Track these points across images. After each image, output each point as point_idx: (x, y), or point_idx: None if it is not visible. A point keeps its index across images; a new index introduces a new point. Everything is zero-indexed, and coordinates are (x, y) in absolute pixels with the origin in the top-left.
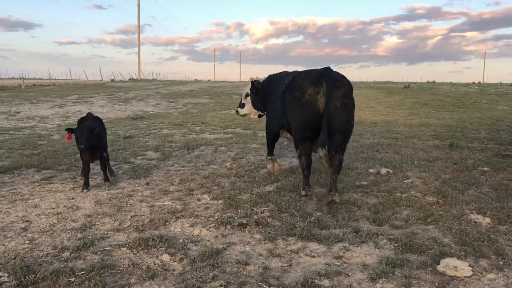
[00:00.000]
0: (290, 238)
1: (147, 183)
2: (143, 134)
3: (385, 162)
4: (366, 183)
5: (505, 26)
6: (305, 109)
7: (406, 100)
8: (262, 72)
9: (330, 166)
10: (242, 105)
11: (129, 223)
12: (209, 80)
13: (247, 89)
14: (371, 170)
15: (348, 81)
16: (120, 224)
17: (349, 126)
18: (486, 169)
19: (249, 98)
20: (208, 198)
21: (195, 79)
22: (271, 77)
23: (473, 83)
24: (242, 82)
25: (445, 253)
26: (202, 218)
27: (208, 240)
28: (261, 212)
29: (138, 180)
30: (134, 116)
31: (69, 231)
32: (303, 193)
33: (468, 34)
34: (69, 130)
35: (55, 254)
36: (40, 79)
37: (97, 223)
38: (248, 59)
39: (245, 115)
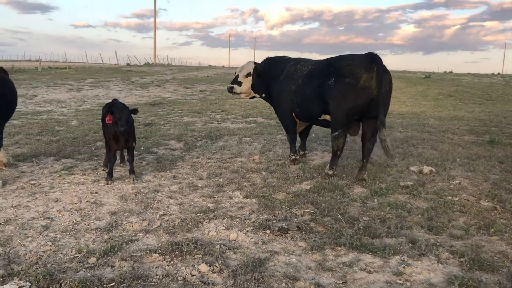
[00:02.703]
0: (339, 248)
1: (174, 177)
2: (163, 121)
3: (424, 159)
4: (411, 183)
5: None
6: (360, 95)
7: (429, 91)
8: None
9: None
10: (239, 83)
11: (158, 224)
12: (223, 66)
13: (250, 69)
14: (412, 168)
15: None
16: (149, 224)
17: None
18: None
19: (250, 78)
20: (241, 196)
21: (209, 65)
22: (273, 61)
23: (493, 74)
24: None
25: None
26: (237, 220)
27: (247, 247)
28: (301, 215)
29: (163, 173)
30: (152, 102)
31: (93, 231)
32: (330, 172)
33: (488, 23)
34: (109, 111)
35: (80, 259)
36: (56, 61)
37: (124, 222)
38: (262, 45)
39: (239, 93)
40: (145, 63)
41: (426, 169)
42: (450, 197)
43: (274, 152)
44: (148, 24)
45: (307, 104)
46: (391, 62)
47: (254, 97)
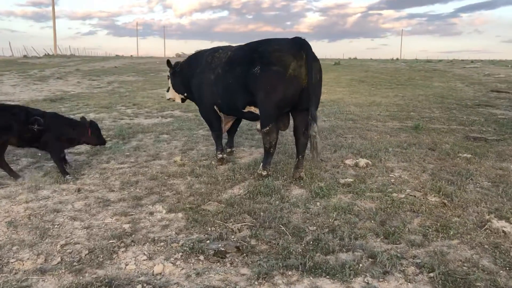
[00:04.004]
0: (290, 273)
1: (78, 190)
2: None
3: (357, 150)
4: (351, 180)
5: (418, 5)
6: (289, 85)
7: (341, 77)
8: (187, 47)
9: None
10: (168, 89)
11: (59, 259)
12: (131, 56)
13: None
14: (347, 162)
15: None
16: (46, 260)
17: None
18: (468, 155)
19: (170, 80)
20: (164, 211)
21: (116, 55)
22: (192, 57)
23: (392, 59)
24: (168, 58)
25: (498, 286)
26: (162, 244)
27: (177, 283)
28: (239, 230)
29: (65, 185)
30: (53, 97)
31: None
32: (264, 173)
33: (385, 12)
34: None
35: None
36: None
37: (11, 260)
38: (172, 34)
39: (170, 99)
40: (45, 54)
41: (362, 161)
42: (396, 194)
43: (197, 150)
44: (47, 13)
45: (229, 95)
46: None
47: (184, 99)
